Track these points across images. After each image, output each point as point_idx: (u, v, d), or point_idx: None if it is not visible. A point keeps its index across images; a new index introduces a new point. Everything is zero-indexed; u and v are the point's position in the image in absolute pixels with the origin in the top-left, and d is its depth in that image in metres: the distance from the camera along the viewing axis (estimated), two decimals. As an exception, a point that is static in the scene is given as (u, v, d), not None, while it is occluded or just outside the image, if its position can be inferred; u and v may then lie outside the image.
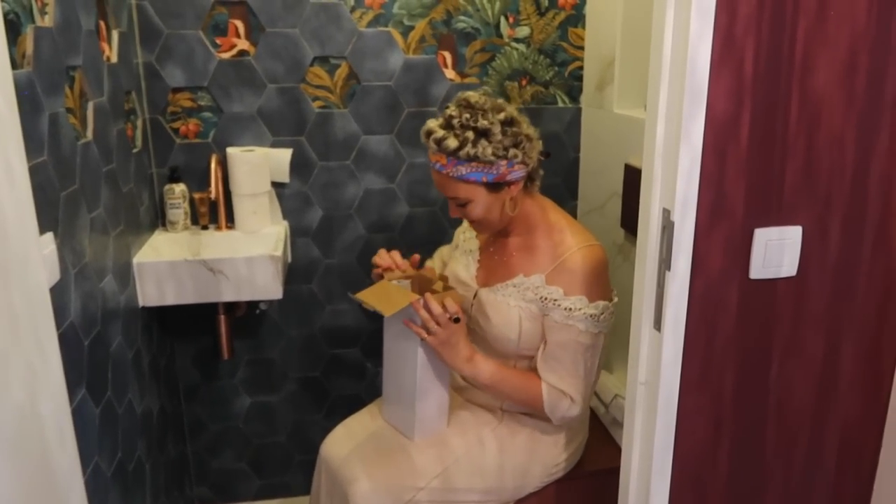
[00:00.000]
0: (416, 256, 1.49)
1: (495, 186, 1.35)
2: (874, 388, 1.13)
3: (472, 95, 1.35)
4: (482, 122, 1.30)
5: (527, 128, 1.36)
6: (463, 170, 1.31)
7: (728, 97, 0.94)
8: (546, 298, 1.38)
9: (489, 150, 1.29)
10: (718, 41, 0.91)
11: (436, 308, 1.34)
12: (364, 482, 1.40)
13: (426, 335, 1.36)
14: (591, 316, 1.36)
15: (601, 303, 1.38)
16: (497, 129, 1.30)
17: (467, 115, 1.31)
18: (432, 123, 1.35)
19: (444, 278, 1.50)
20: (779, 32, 0.93)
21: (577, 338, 1.37)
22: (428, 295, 1.36)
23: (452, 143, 1.30)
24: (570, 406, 1.39)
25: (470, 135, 1.29)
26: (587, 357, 1.38)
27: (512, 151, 1.32)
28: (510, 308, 1.41)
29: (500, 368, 1.42)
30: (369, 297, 1.40)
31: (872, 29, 0.96)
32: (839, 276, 1.06)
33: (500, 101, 1.38)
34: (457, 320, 1.36)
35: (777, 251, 1.01)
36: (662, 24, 0.94)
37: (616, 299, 1.43)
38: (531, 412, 1.49)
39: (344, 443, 1.53)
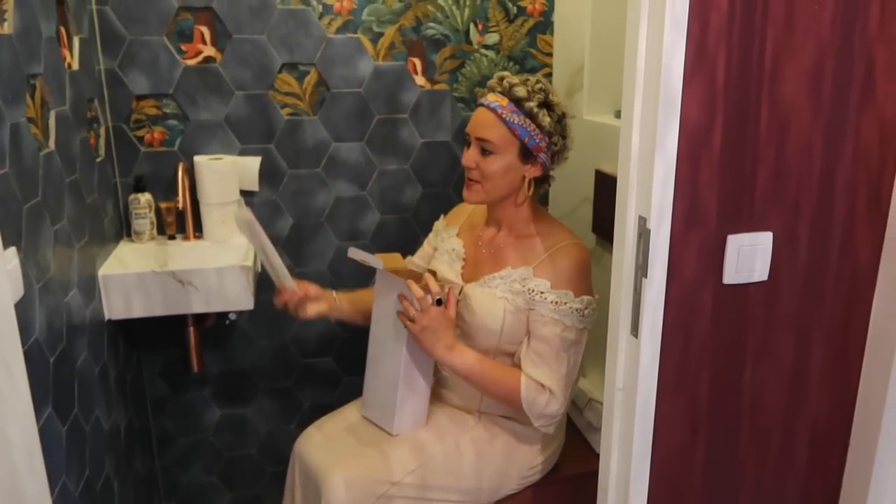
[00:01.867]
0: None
1: (526, 154, 1.40)
2: (842, 388, 1.16)
3: (547, 82, 1.45)
4: (553, 98, 1.41)
5: (573, 137, 1.47)
6: (516, 119, 1.37)
7: (701, 106, 0.96)
8: (533, 290, 1.39)
9: (547, 120, 1.39)
10: (691, 51, 0.93)
11: (417, 291, 1.35)
12: (337, 475, 1.38)
13: (408, 321, 1.38)
14: (576, 310, 1.38)
15: (586, 298, 1.40)
16: (558, 111, 1.41)
17: (541, 85, 1.41)
18: (504, 73, 1.44)
19: (432, 272, 1.51)
20: (748, 42, 0.95)
21: (563, 333, 1.38)
22: (410, 280, 1.37)
23: (522, 91, 1.38)
24: (548, 401, 1.38)
25: (540, 97, 1.39)
26: (570, 353, 1.39)
27: (556, 138, 1.41)
28: (496, 300, 1.42)
29: (480, 359, 1.41)
30: (368, 256, 1.43)
31: (837, 38, 0.98)
32: (808, 281, 1.08)
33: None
34: (439, 302, 1.37)
35: (749, 257, 1.03)
36: (636, 35, 0.95)
37: (598, 296, 1.45)
38: (509, 412, 1.49)
39: (317, 440, 1.52)
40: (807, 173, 1.03)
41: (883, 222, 1.08)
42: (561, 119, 1.41)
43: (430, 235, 1.69)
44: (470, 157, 1.42)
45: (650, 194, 0.97)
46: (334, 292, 1.59)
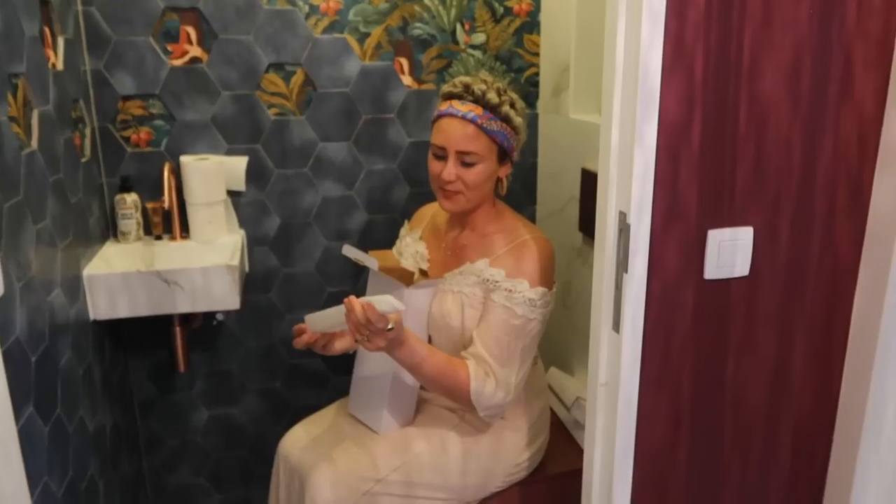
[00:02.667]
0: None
1: (503, 155, 1.42)
2: (825, 383, 1.16)
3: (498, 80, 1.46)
4: (513, 96, 1.42)
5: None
6: (494, 126, 1.38)
7: (680, 101, 0.96)
8: (488, 280, 1.40)
9: (519, 120, 1.41)
10: (669, 46, 0.93)
11: (373, 315, 1.23)
12: (322, 472, 1.38)
13: (360, 338, 1.28)
14: (529, 300, 1.38)
15: (540, 289, 1.39)
16: (519, 106, 1.42)
17: (500, 86, 1.41)
18: (464, 78, 1.41)
19: (423, 272, 1.53)
20: (726, 37, 0.95)
21: (511, 320, 1.37)
22: (365, 303, 1.24)
23: (494, 97, 1.37)
24: (494, 390, 1.36)
25: (507, 97, 1.40)
26: (518, 341, 1.38)
27: (522, 133, 1.44)
28: (454, 295, 1.43)
29: (431, 350, 1.36)
30: (361, 254, 1.39)
31: (815, 34, 0.99)
32: (789, 275, 1.08)
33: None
34: (390, 329, 1.27)
35: (730, 252, 1.03)
36: (615, 30, 0.95)
37: (554, 290, 1.45)
38: (454, 404, 1.47)
39: (302, 438, 1.52)
40: (786, 168, 1.03)
41: (863, 217, 1.09)
42: (523, 112, 1.43)
43: (397, 242, 1.69)
44: (451, 171, 1.38)
45: (630, 189, 0.97)
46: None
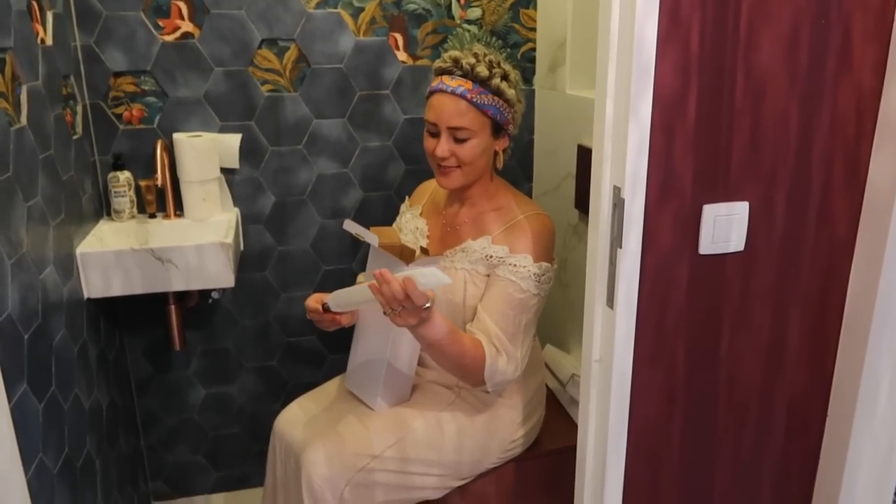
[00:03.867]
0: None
1: (498, 130, 1.40)
2: (819, 359, 1.16)
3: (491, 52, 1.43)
4: (506, 68, 1.39)
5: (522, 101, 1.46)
6: (486, 100, 1.36)
7: (675, 74, 0.95)
8: (492, 256, 1.40)
9: (512, 92, 1.38)
10: (665, 18, 0.92)
11: (414, 292, 1.17)
12: (317, 450, 1.38)
13: (391, 313, 1.23)
14: (534, 275, 1.37)
15: (544, 264, 1.39)
16: (513, 79, 1.40)
17: (492, 58, 1.38)
18: (454, 53, 1.40)
19: (424, 250, 1.52)
20: (723, 8, 0.94)
21: (515, 293, 1.37)
22: (406, 277, 1.18)
23: (484, 71, 1.35)
24: (506, 366, 1.36)
25: (498, 70, 1.37)
26: (522, 314, 1.38)
27: (518, 106, 1.42)
28: (456, 272, 1.42)
29: (452, 327, 1.33)
30: (363, 230, 1.39)
31: (813, 4, 0.97)
32: (785, 251, 1.08)
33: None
34: (427, 308, 1.23)
35: (725, 227, 1.03)
36: (609, 2, 0.94)
37: (555, 266, 1.45)
38: (451, 381, 1.48)
39: (297, 415, 1.52)
40: (783, 142, 1.02)
41: (860, 192, 1.08)
42: (517, 85, 1.41)
43: (397, 218, 1.68)
44: (444, 147, 1.37)
45: (624, 164, 0.96)
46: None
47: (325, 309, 1.40)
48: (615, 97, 0.97)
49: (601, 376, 1.08)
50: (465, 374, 1.39)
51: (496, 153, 1.44)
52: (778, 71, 0.99)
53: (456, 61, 1.37)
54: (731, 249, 1.05)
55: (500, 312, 1.38)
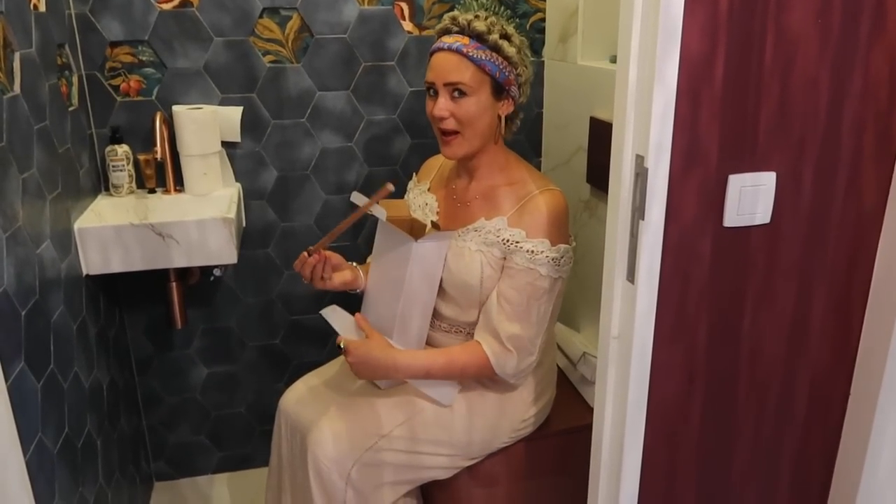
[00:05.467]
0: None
1: (499, 90, 1.35)
2: (843, 337, 1.12)
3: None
4: (508, 29, 1.36)
5: (532, 68, 1.42)
6: (483, 55, 1.31)
7: (702, 36, 0.90)
8: (508, 240, 1.35)
9: (512, 50, 1.33)
10: (693, -25, 0.87)
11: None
12: (324, 428, 1.36)
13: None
14: (552, 259, 1.33)
15: (562, 246, 1.35)
16: (516, 41, 1.35)
17: (493, 20, 1.35)
18: (453, 13, 1.37)
19: (436, 225, 1.49)
20: (755, -34, 0.89)
21: (535, 281, 1.34)
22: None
23: (481, 25, 1.32)
24: (518, 358, 1.36)
25: (499, 28, 1.34)
26: (542, 302, 1.35)
27: (521, 68, 1.36)
28: (472, 253, 1.37)
29: (432, 356, 1.38)
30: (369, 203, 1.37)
31: (848, -36, 0.92)
32: (812, 224, 1.04)
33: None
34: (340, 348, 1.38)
35: (751, 198, 0.98)
36: (634, -42, 0.89)
37: (574, 244, 1.41)
38: (487, 381, 1.46)
39: (303, 394, 1.49)
40: (812, 109, 0.97)
41: (891, 162, 1.03)
42: (520, 49, 1.35)
43: (406, 195, 1.64)
44: (442, 106, 1.32)
45: (648, 131, 0.91)
46: (354, 264, 1.54)
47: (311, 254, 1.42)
48: (639, 61, 0.92)
49: (620, 353, 1.05)
50: (477, 379, 1.44)
51: (500, 119, 1.38)
52: (809, 33, 0.94)
53: (454, 18, 1.35)
54: (757, 222, 1.00)
55: (517, 307, 1.34)
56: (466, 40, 1.32)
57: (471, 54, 1.31)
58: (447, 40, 1.33)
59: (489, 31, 1.31)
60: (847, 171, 1.02)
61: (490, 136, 1.38)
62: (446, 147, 1.37)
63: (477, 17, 1.34)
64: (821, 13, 0.93)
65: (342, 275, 1.48)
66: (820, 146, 1.00)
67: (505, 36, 1.33)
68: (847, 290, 1.09)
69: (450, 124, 1.34)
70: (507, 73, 1.33)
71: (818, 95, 0.97)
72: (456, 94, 1.32)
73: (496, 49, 1.31)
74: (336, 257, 1.47)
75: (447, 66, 1.32)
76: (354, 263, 1.55)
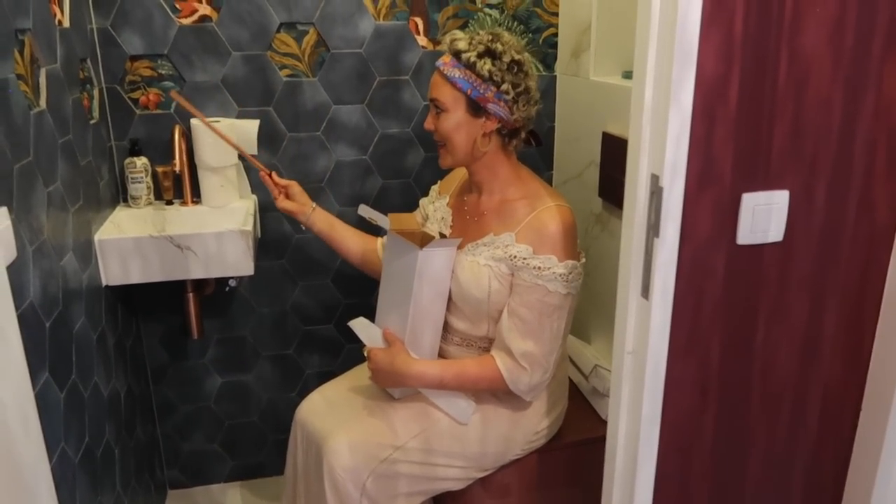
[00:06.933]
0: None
1: (474, 107, 1.37)
2: (855, 352, 1.13)
3: (506, 33, 1.40)
4: (497, 46, 1.35)
5: (533, 84, 1.39)
6: (457, 73, 1.35)
7: (718, 58, 0.92)
8: (515, 256, 1.36)
9: (486, 67, 1.33)
10: (709, 0, 0.88)
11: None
12: (340, 438, 1.37)
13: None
14: (560, 276, 1.35)
15: (570, 262, 1.36)
16: (506, 59, 1.34)
17: (490, 37, 1.36)
18: (454, 31, 1.44)
19: (443, 235, 1.52)
20: (769, -11, 0.91)
21: (545, 298, 1.35)
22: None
23: (461, 44, 1.35)
24: (531, 374, 1.37)
25: (480, 48, 1.34)
26: (553, 318, 1.37)
27: (506, 86, 1.34)
28: (480, 267, 1.39)
29: (444, 368, 1.42)
30: (377, 214, 1.47)
31: (860, -14, 0.94)
32: (824, 241, 1.05)
33: (527, 54, 1.41)
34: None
35: (764, 216, 1.00)
36: (651, -19, 0.91)
37: (584, 260, 1.42)
38: (501, 394, 1.48)
39: (320, 405, 1.51)
40: (825, 129, 0.99)
41: (902, 180, 1.05)
42: (512, 66, 1.34)
43: (424, 199, 1.67)
44: (428, 119, 1.43)
45: (664, 151, 0.93)
46: (314, 204, 1.64)
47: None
48: (655, 82, 0.94)
49: (634, 368, 1.06)
50: (489, 392, 1.47)
51: (485, 136, 1.39)
52: (822, 54, 0.95)
53: (448, 38, 1.40)
54: (770, 240, 1.02)
55: (529, 324, 1.36)
56: (448, 59, 1.37)
57: (446, 72, 1.36)
58: (440, 59, 1.39)
59: (468, 49, 1.34)
60: (859, 188, 1.04)
61: (472, 152, 1.41)
62: (439, 157, 1.46)
63: (473, 35, 1.37)
64: (834, 34, 0.95)
65: (289, 204, 1.62)
66: (833, 165, 1.01)
67: (489, 53, 1.34)
68: (859, 306, 1.11)
69: (436, 137, 1.43)
70: (481, 91, 1.34)
71: (831, 115, 0.99)
72: (437, 110, 1.39)
73: (469, 67, 1.34)
74: (294, 188, 1.62)
75: (432, 83, 1.40)
76: (314, 205, 1.64)
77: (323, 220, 1.64)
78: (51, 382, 1.17)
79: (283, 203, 1.62)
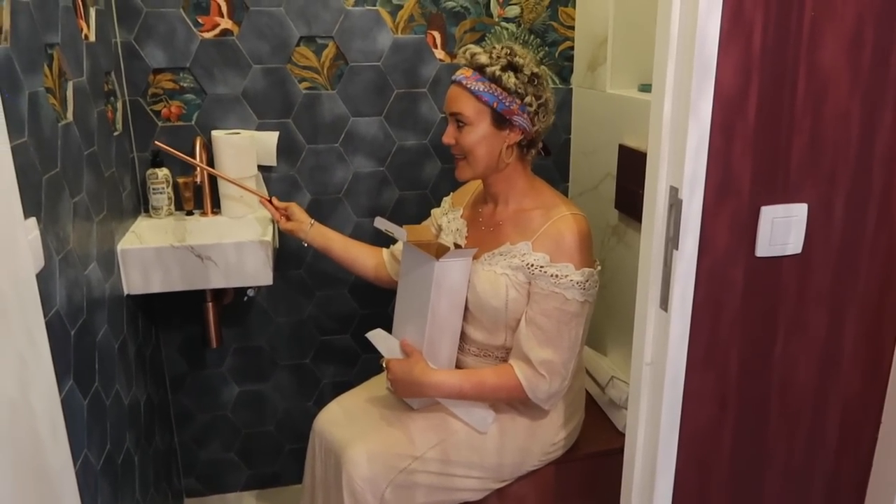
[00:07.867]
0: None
1: (500, 120, 1.38)
2: (874, 365, 1.13)
3: (519, 47, 1.43)
4: (517, 60, 1.38)
5: (550, 96, 1.43)
6: (481, 87, 1.36)
7: (736, 72, 0.93)
8: (532, 265, 1.37)
9: (512, 81, 1.36)
10: (728, 14, 0.90)
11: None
12: (359, 450, 1.38)
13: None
14: (577, 283, 1.35)
15: (587, 270, 1.37)
16: (527, 71, 1.37)
17: (507, 51, 1.39)
18: (471, 45, 1.44)
19: (458, 246, 1.54)
20: (787, 5, 0.92)
21: (563, 306, 1.36)
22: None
23: (483, 58, 1.37)
24: (550, 382, 1.38)
25: (503, 61, 1.37)
26: (571, 326, 1.37)
27: (529, 98, 1.38)
28: (497, 276, 1.41)
29: (464, 376, 1.43)
30: (393, 226, 1.48)
31: (877, 2, 0.94)
32: (843, 254, 1.05)
33: (543, 67, 1.43)
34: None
35: (783, 229, 1.00)
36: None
37: (599, 268, 1.43)
38: (518, 404, 1.48)
39: (338, 415, 1.52)
40: (844, 143, 1.00)
41: (921, 194, 1.05)
42: (532, 79, 1.38)
43: (436, 210, 1.68)
44: (448, 133, 1.43)
45: (682, 164, 0.94)
46: (312, 221, 1.66)
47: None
48: (674, 96, 0.95)
49: (652, 380, 1.06)
50: (509, 402, 1.48)
51: (509, 148, 1.42)
52: (840, 69, 0.96)
53: (466, 52, 1.41)
54: (789, 252, 1.02)
55: (548, 332, 1.37)
56: (469, 73, 1.38)
57: (470, 86, 1.37)
58: (458, 73, 1.41)
59: (490, 63, 1.36)
60: (878, 201, 1.04)
61: (495, 164, 1.42)
62: (456, 170, 1.47)
63: (492, 49, 1.39)
64: (852, 49, 0.95)
65: (289, 225, 1.65)
66: (851, 178, 1.02)
67: (511, 66, 1.37)
68: (878, 319, 1.10)
69: (457, 151, 1.43)
70: (507, 104, 1.37)
71: (849, 129, 0.99)
72: (459, 123, 1.40)
73: (495, 80, 1.36)
74: (293, 209, 1.66)
75: (452, 96, 1.41)
76: (312, 222, 1.67)
77: (319, 236, 1.66)
78: (75, 390, 1.19)
79: (284, 225, 1.65)
